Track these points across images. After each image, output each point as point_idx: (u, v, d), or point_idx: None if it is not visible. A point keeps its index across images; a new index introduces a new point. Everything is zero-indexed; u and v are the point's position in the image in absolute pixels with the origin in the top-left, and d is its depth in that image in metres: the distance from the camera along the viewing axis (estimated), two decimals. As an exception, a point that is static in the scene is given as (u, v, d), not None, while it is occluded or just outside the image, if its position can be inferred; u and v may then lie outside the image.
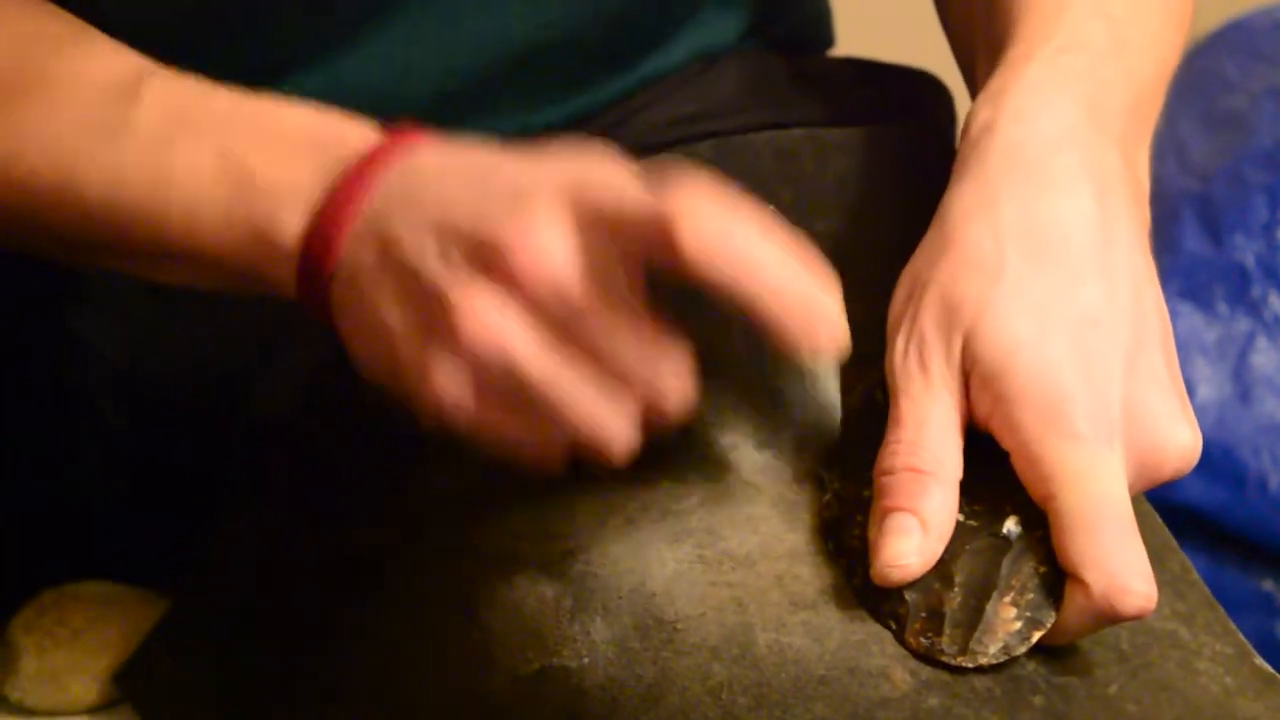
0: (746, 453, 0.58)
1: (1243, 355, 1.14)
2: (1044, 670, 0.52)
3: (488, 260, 0.51)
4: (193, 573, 0.70)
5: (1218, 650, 0.55)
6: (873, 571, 0.52)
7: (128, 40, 0.60)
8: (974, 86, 0.64)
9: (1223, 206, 1.16)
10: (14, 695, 0.71)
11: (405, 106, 0.66)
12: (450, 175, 0.54)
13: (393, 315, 0.53)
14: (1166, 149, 1.22)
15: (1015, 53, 0.60)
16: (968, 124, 0.59)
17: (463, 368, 0.51)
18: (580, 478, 0.56)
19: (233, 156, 0.56)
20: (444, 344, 0.51)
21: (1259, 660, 0.55)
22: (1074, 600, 0.52)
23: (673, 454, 0.55)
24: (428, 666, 0.57)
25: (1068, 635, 0.53)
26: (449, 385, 0.52)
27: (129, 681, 0.70)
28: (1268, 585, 1.13)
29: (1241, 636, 0.56)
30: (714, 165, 0.65)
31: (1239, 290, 1.14)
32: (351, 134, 0.56)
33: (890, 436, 0.54)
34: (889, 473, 0.53)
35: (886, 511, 0.53)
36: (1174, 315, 1.12)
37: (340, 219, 0.54)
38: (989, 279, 0.54)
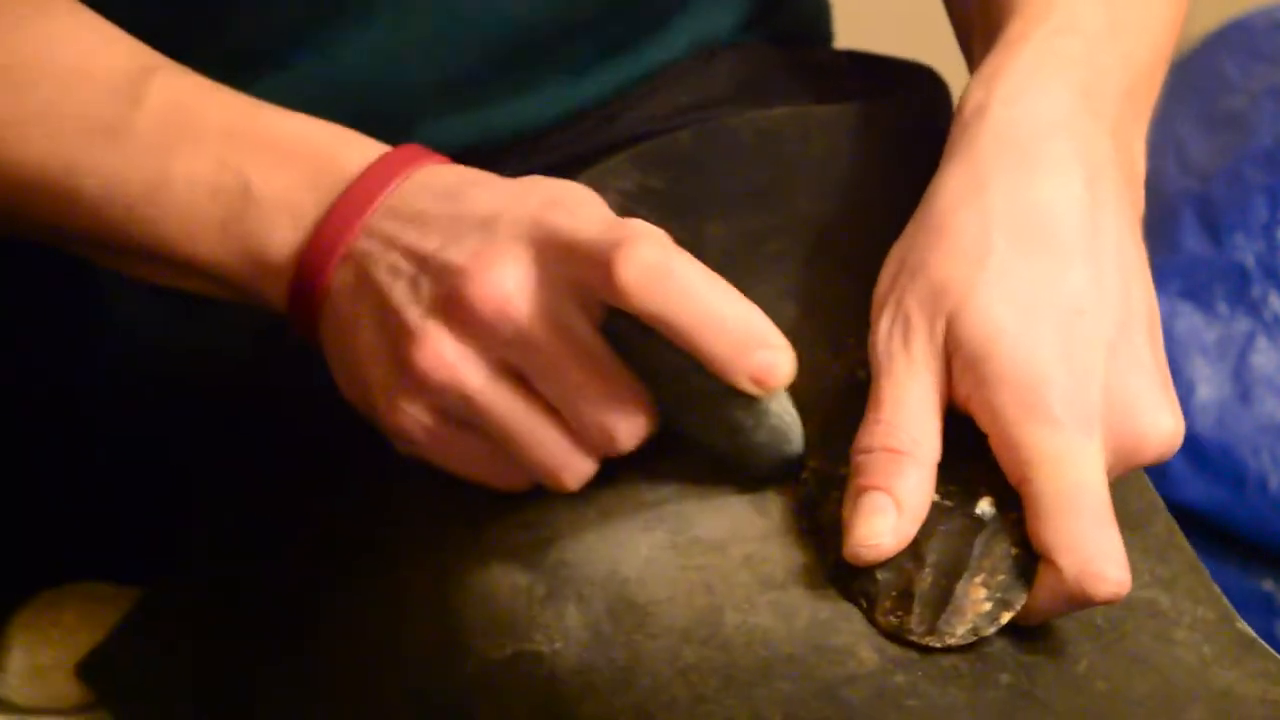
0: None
1: (1243, 355, 1.14)
2: (1013, 648, 0.52)
3: (451, 290, 0.52)
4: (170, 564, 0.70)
5: (1198, 616, 0.55)
6: (845, 550, 0.52)
7: (116, 23, 0.60)
8: (973, 69, 0.64)
9: (1223, 206, 1.16)
10: (3, 693, 0.71)
11: (399, 93, 0.65)
12: (431, 199, 0.54)
13: (365, 338, 0.54)
14: (1166, 149, 1.22)
15: (1011, 34, 0.60)
16: (960, 105, 0.59)
17: (423, 397, 0.53)
18: None
19: (231, 168, 0.56)
20: (403, 373, 0.53)
21: (1240, 624, 0.55)
22: (1046, 583, 0.52)
23: (648, 448, 0.55)
24: (402, 656, 0.58)
25: (1038, 617, 0.53)
26: (411, 412, 0.53)
27: (93, 673, 0.70)
28: (1268, 585, 1.13)
29: (1225, 600, 0.56)
30: (694, 149, 0.65)
31: (1239, 290, 1.14)
32: (352, 152, 0.56)
33: (869, 416, 0.54)
34: (866, 451, 0.53)
35: (861, 490, 0.53)
36: (1174, 315, 1.13)
37: (335, 243, 0.54)
38: (975, 264, 0.54)
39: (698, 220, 0.63)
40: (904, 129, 0.67)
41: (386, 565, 0.59)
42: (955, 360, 0.53)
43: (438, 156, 0.56)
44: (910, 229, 0.57)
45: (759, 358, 0.51)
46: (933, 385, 0.54)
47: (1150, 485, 0.59)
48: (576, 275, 0.52)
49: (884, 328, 0.55)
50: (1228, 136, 1.20)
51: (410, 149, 0.56)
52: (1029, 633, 0.52)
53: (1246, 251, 1.14)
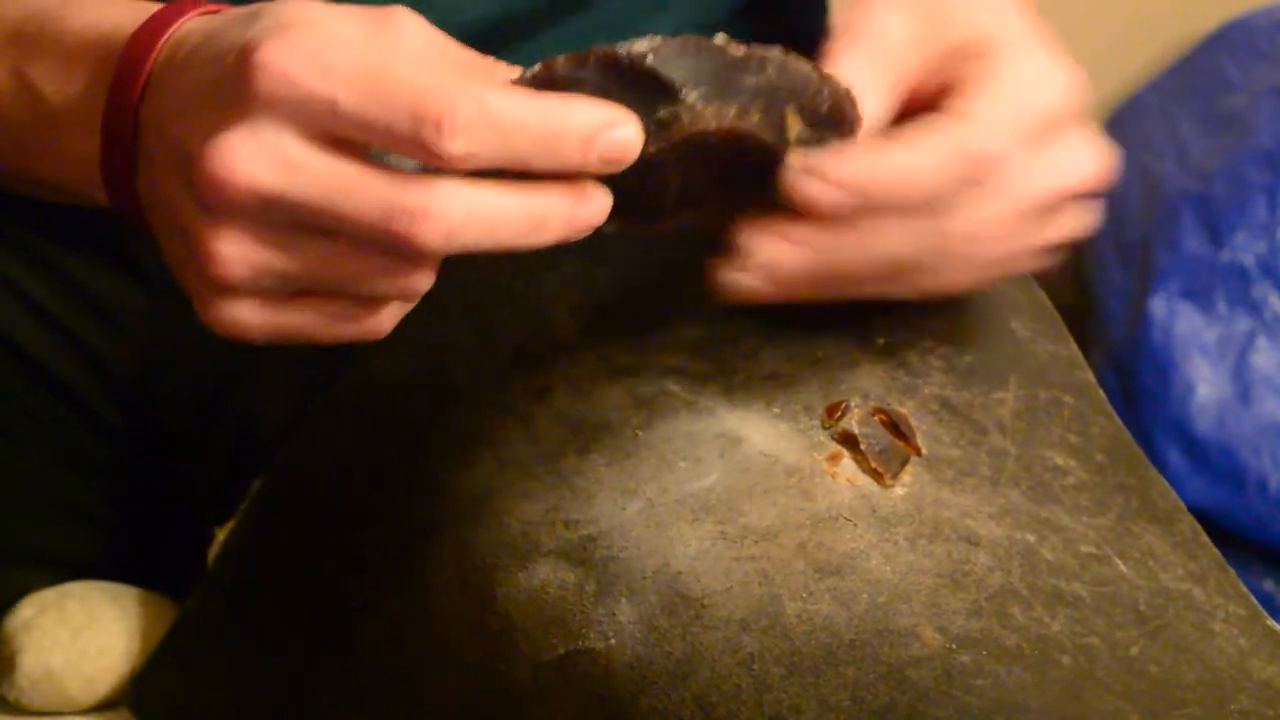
0: (758, 424, 0.57)
1: (1243, 355, 1.14)
2: (1068, 631, 0.52)
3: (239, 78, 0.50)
4: (199, 580, 0.70)
5: (1231, 611, 0.55)
6: None
7: None
8: None
9: (1223, 206, 1.16)
10: (10, 695, 0.71)
11: None
12: (198, 48, 0.53)
13: (170, 189, 0.52)
14: (1166, 149, 1.22)
15: None
16: None
17: (228, 222, 0.50)
18: (594, 465, 0.56)
19: (25, 78, 0.56)
20: (202, 202, 0.50)
21: (1270, 621, 0.56)
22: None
23: (687, 434, 0.55)
24: (446, 662, 0.57)
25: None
26: (227, 251, 0.50)
27: (138, 698, 0.70)
28: (1268, 585, 1.13)
29: (1253, 598, 0.57)
30: None
31: (1239, 290, 1.14)
32: (127, 27, 0.55)
33: None
34: None
35: None
36: (1174, 315, 1.13)
37: (124, 130, 0.53)
38: None
39: None
40: None
41: (423, 570, 0.59)
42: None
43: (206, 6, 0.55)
44: None
45: (603, 146, 0.49)
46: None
47: (1170, 489, 0.60)
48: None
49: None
50: (1228, 136, 1.20)
51: (173, 8, 0.55)
52: (1079, 618, 0.53)
53: (1246, 251, 1.14)
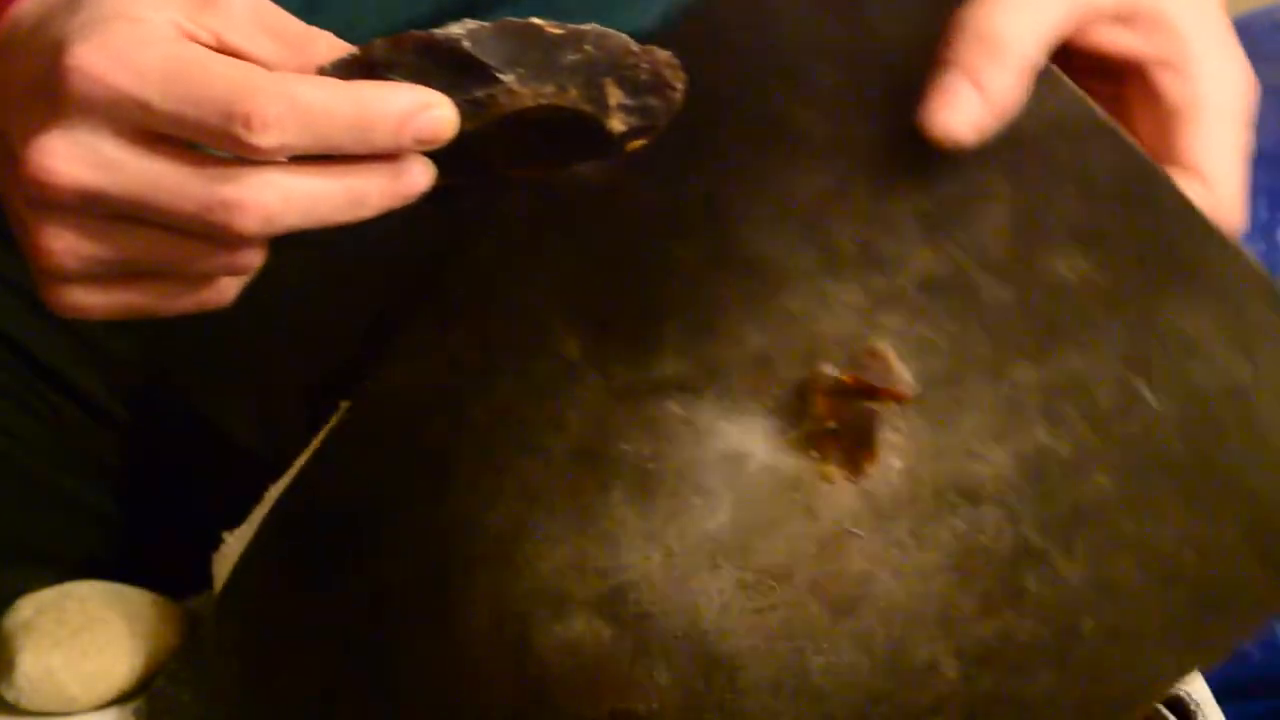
0: (754, 432, 0.58)
1: (1243, 355, 1.13)
2: (1089, 569, 0.53)
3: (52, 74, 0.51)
4: (216, 598, 0.69)
5: None
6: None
7: None
8: None
9: (1223, 206, 1.16)
10: (10, 695, 0.71)
11: None
12: (28, 37, 0.53)
13: (4, 177, 0.53)
14: (1167, 149, 1.22)
15: None
16: None
17: (55, 220, 0.52)
18: (614, 503, 0.57)
19: None
20: (28, 197, 0.52)
21: None
22: None
23: (695, 461, 0.56)
24: (481, 705, 0.58)
25: None
26: (58, 247, 0.52)
27: (151, 713, 0.70)
28: (1268, 585, 1.12)
29: None
30: None
31: (1239, 290, 1.14)
32: None
33: None
34: None
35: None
36: (1174, 315, 1.12)
37: None
38: None
39: None
40: None
41: (456, 611, 0.59)
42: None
43: None
44: None
45: (415, 129, 0.51)
46: None
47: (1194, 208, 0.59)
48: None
49: None
50: (1228, 137, 1.19)
51: None
52: (1107, 525, 0.53)
53: (1247, 252, 1.14)
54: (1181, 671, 0.53)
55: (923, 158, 0.55)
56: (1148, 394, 0.54)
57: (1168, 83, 0.57)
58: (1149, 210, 0.55)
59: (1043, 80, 0.55)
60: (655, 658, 0.55)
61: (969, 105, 0.54)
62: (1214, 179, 0.56)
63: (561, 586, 0.57)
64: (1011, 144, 0.55)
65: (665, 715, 0.54)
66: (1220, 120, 0.57)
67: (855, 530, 0.55)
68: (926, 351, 0.56)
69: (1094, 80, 0.57)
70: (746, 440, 0.57)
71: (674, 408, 0.58)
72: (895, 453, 0.56)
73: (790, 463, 0.56)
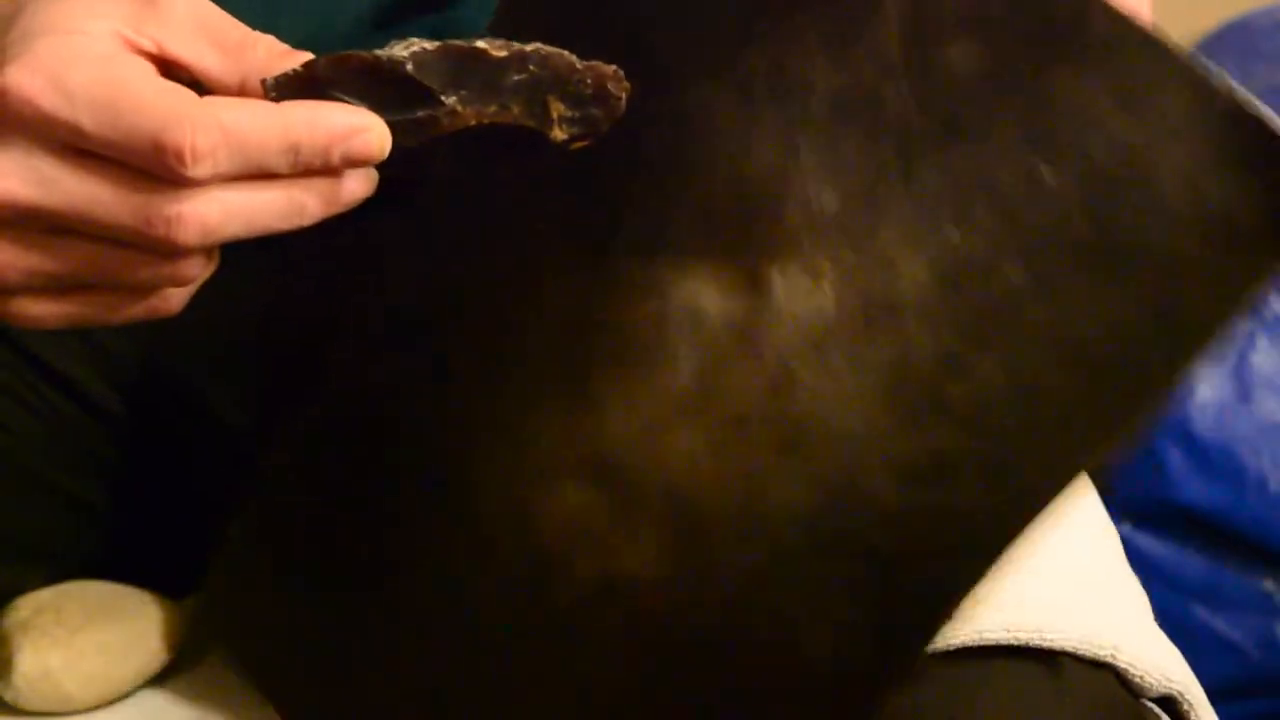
0: (700, 279, 0.59)
1: (1243, 355, 1.14)
2: (1001, 363, 0.54)
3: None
4: (243, 502, 0.70)
5: (1169, 127, 0.54)
6: None
7: None
8: None
9: (1223, 206, 1.16)
10: (8, 695, 0.71)
11: None
12: None
13: None
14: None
15: None
16: None
17: (3, 238, 0.52)
18: (596, 367, 0.59)
19: None
20: None
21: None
22: None
23: (658, 316, 0.59)
24: (494, 580, 0.60)
25: None
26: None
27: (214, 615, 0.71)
28: (1268, 585, 1.13)
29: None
30: None
31: (1239, 290, 1.14)
32: None
33: None
34: None
35: None
36: (1174, 314, 1.13)
37: None
38: None
39: None
40: None
41: (466, 500, 0.62)
42: None
43: None
44: None
45: (347, 151, 0.51)
46: None
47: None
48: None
49: None
50: (1228, 136, 1.20)
51: None
52: (1014, 309, 0.54)
53: (1246, 251, 1.14)
54: (1094, 459, 0.53)
55: None
56: (1047, 174, 0.54)
57: None
58: None
59: None
60: (637, 519, 0.57)
61: None
62: None
63: (555, 459, 0.59)
64: None
65: (651, 572, 0.57)
66: None
67: (797, 360, 0.56)
68: (843, 171, 0.57)
69: None
70: (699, 296, 0.58)
71: (632, 267, 0.59)
72: (824, 279, 0.56)
73: (732, 303, 0.58)
